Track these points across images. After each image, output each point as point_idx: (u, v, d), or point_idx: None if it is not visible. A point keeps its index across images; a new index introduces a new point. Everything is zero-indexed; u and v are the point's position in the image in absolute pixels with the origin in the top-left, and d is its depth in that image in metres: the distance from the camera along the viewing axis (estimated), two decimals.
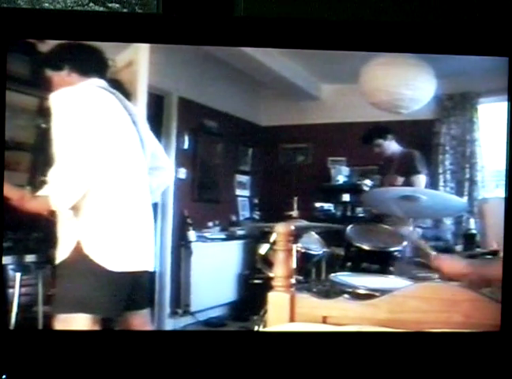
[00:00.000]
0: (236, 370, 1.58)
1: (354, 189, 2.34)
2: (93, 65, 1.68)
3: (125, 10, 1.90)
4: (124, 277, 1.68)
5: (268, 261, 2.00)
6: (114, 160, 1.72)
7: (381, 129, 2.22)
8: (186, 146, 2.27)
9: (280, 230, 1.86)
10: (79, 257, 1.65)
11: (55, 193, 1.63)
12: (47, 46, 1.61)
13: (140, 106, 1.78)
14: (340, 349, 1.61)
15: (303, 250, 2.06)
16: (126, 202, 1.73)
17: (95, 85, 1.70)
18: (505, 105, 1.64)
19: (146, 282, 1.75)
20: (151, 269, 1.75)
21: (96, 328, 1.62)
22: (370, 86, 2.03)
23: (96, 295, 1.65)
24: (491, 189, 1.90)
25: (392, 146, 2.24)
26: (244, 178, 2.45)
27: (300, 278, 1.93)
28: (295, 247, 1.86)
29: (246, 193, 2.43)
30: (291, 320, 1.73)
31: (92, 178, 1.67)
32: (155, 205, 1.83)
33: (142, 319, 1.72)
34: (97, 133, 1.67)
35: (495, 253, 1.75)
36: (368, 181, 2.26)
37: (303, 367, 1.59)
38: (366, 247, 2.05)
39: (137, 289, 1.72)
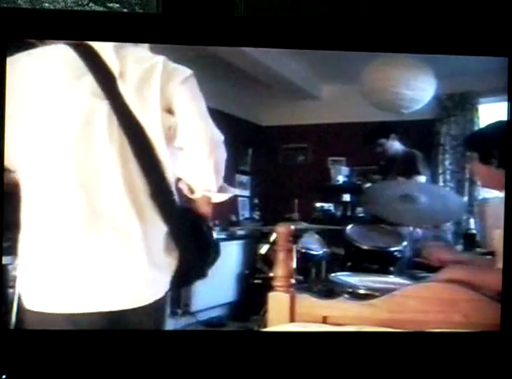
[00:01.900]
0: (236, 370, 1.58)
1: (354, 189, 2.34)
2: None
3: (125, 10, 1.90)
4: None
5: (268, 261, 2.00)
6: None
7: (384, 129, 2.22)
8: None
9: (280, 230, 1.86)
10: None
11: None
12: None
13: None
14: (340, 349, 1.61)
15: (303, 250, 2.06)
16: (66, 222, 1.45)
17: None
18: (505, 105, 1.64)
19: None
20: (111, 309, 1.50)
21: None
22: (370, 86, 2.03)
23: None
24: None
25: (394, 146, 2.24)
26: (244, 178, 2.45)
27: (300, 278, 1.93)
28: (295, 247, 1.86)
29: (246, 193, 2.43)
30: (291, 320, 1.72)
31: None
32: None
33: None
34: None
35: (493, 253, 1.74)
36: (369, 185, 2.26)
37: (303, 367, 1.59)
38: (366, 247, 2.05)
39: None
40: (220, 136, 1.59)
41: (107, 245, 1.46)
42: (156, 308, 1.52)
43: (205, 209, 1.61)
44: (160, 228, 1.50)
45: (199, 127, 1.54)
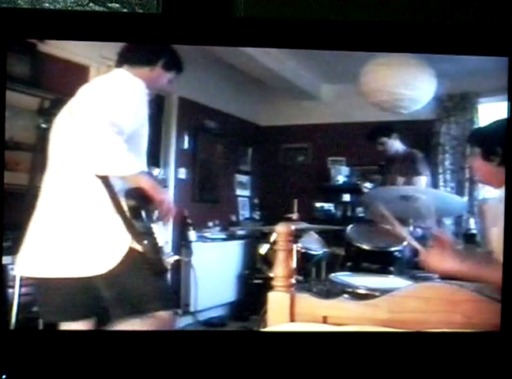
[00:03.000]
0: (236, 370, 1.58)
1: (354, 189, 2.35)
2: None
3: (125, 10, 1.90)
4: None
5: (268, 261, 2.00)
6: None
7: (386, 128, 2.22)
8: (186, 146, 2.28)
9: (280, 230, 1.85)
10: None
11: None
12: None
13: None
14: (340, 349, 1.61)
15: (303, 250, 2.06)
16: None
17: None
18: (505, 105, 1.64)
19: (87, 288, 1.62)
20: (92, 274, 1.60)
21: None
22: (370, 86, 2.03)
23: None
24: (490, 189, 1.90)
25: (396, 145, 2.24)
26: (244, 178, 2.46)
27: (300, 278, 1.93)
28: (295, 247, 1.86)
29: (246, 193, 2.43)
30: (291, 320, 1.72)
31: None
32: None
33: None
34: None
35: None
36: (368, 184, 2.26)
37: (303, 367, 1.59)
38: (366, 247, 2.05)
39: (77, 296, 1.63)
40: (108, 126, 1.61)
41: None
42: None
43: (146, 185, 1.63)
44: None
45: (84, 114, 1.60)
